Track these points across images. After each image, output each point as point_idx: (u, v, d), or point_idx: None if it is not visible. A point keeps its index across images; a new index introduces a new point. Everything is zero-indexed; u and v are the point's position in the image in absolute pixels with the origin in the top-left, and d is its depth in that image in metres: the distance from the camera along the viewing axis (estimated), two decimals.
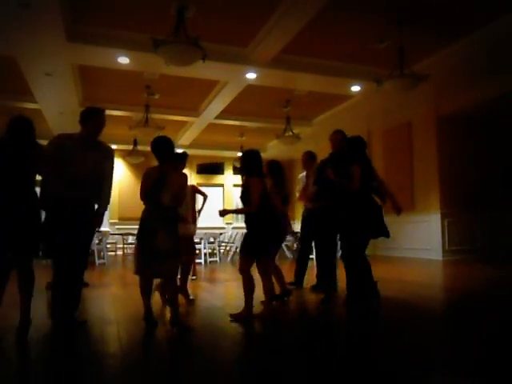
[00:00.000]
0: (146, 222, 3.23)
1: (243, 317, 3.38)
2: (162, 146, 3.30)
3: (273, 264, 4.24)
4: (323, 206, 4.47)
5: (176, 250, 3.21)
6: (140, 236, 3.29)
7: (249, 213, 3.57)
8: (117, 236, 11.84)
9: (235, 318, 3.38)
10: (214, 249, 9.82)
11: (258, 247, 3.52)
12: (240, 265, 3.56)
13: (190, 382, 2.16)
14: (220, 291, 5.16)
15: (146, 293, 3.24)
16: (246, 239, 3.58)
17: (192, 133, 12.28)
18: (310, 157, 5.08)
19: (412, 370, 2.22)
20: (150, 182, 3.24)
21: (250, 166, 3.63)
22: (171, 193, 3.16)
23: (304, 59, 7.74)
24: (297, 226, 7.73)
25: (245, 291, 3.46)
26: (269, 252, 3.67)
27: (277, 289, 4.12)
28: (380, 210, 4.14)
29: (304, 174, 5.15)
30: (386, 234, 4.10)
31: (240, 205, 3.79)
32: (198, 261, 8.02)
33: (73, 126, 12.03)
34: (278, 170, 4.31)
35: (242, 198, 3.61)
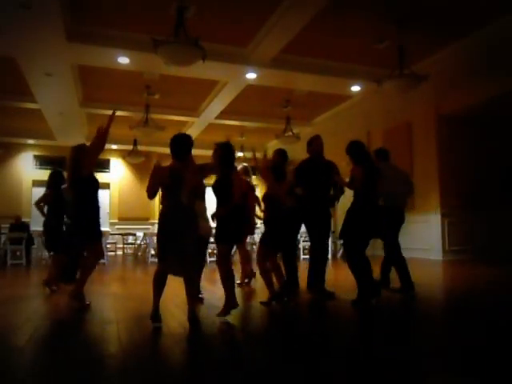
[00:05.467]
0: (167, 222, 3.16)
1: (226, 310, 3.42)
2: (179, 143, 3.27)
3: (275, 263, 4.26)
4: (297, 206, 4.48)
5: (198, 250, 3.21)
6: (162, 236, 3.21)
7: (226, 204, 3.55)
8: (117, 236, 11.85)
9: (223, 313, 3.42)
10: (214, 249, 9.82)
11: (233, 234, 3.56)
12: (217, 256, 3.60)
13: (190, 382, 2.16)
14: (219, 292, 5.15)
15: (158, 291, 3.23)
16: (221, 227, 3.55)
17: (192, 133, 12.26)
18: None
19: (412, 370, 2.22)
20: (164, 181, 3.17)
21: (229, 159, 3.60)
22: (188, 191, 3.13)
23: (304, 59, 7.74)
24: None
25: (223, 282, 3.50)
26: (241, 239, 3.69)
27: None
28: (380, 212, 4.18)
29: None
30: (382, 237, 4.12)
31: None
32: None
33: (73, 126, 12.06)
34: (279, 169, 4.37)
35: (220, 192, 3.55)
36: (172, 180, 3.14)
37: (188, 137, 3.35)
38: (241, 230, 3.74)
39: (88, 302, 4.11)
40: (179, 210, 3.14)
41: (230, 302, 3.46)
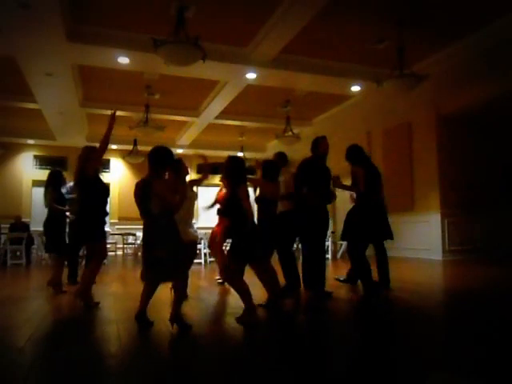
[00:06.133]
0: (145, 234, 3.23)
1: (246, 318, 3.32)
2: (153, 157, 3.25)
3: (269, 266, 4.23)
4: (294, 208, 4.47)
5: (180, 257, 3.18)
6: (144, 247, 3.29)
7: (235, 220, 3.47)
8: (117, 236, 11.85)
9: (240, 320, 3.32)
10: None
11: (247, 252, 3.45)
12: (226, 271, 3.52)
13: (190, 382, 2.16)
14: (219, 292, 5.16)
15: (147, 296, 3.23)
16: (235, 245, 3.46)
17: (192, 133, 12.28)
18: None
19: (412, 370, 2.22)
20: (137, 193, 3.23)
21: (237, 174, 3.50)
22: (158, 201, 3.11)
23: (304, 59, 7.74)
24: None
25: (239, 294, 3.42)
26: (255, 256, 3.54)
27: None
28: (385, 213, 4.19)
29: None
30: (390, 236, 4.14)
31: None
32: (197, 261, 8.02)
33: (73, 126, 12.05)
34: (273, 171, 4.33)
35: (227, 207, 3.49)
36: (142, 191, 3.17)
37: (164, 151, 3.28)
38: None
39: (97, 301, 4.14)
40: (150, 220, 3.16)
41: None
